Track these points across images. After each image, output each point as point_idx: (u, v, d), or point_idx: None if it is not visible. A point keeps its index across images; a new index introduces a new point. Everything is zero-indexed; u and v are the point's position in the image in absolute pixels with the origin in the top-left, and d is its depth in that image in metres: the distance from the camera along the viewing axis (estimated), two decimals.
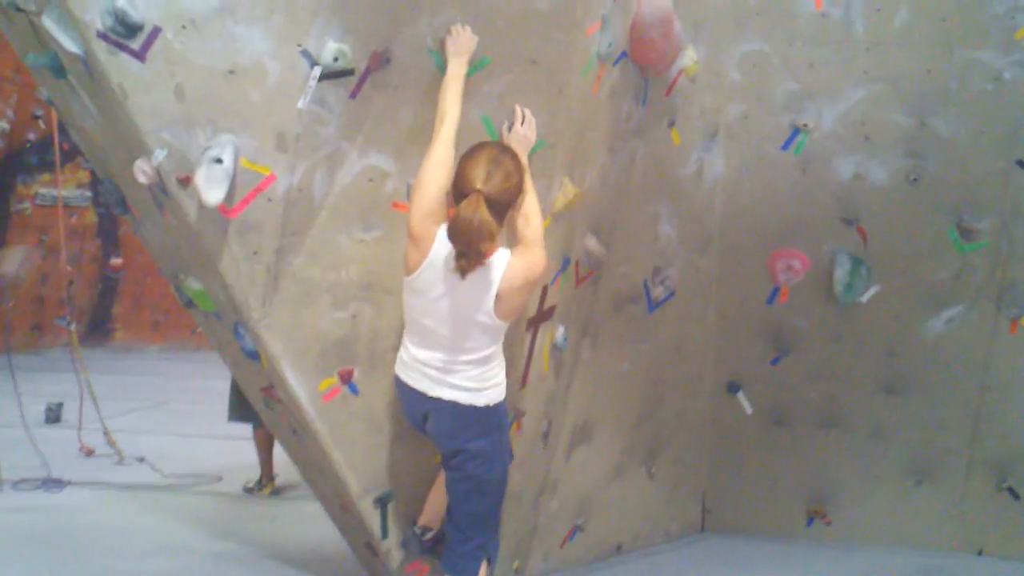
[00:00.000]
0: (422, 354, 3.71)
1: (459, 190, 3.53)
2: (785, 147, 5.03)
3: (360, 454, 4.03)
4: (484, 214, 3.43)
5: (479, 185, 3.47)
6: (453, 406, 3.74)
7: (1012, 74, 4.76)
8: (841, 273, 5.16)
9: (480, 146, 3.61)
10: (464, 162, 3.56)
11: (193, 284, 4.10)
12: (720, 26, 4.76)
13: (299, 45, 3.35)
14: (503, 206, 3.57)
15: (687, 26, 4.51)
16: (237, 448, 6.88)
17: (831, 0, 4.75)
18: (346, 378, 3.91)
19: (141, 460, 6.96)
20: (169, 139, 3.29)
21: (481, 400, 3.76)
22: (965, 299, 5.22)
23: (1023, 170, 4.93)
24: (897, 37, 4.77)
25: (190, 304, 4.32)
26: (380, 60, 3.55)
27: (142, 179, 3.40)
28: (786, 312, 5.38)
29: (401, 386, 3.82)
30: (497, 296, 3.59)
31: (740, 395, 5.59)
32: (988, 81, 4.79)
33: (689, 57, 4.67)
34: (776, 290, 5.32)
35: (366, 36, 3.49)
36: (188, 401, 9.41)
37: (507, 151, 3.64)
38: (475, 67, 3.68)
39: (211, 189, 3.27)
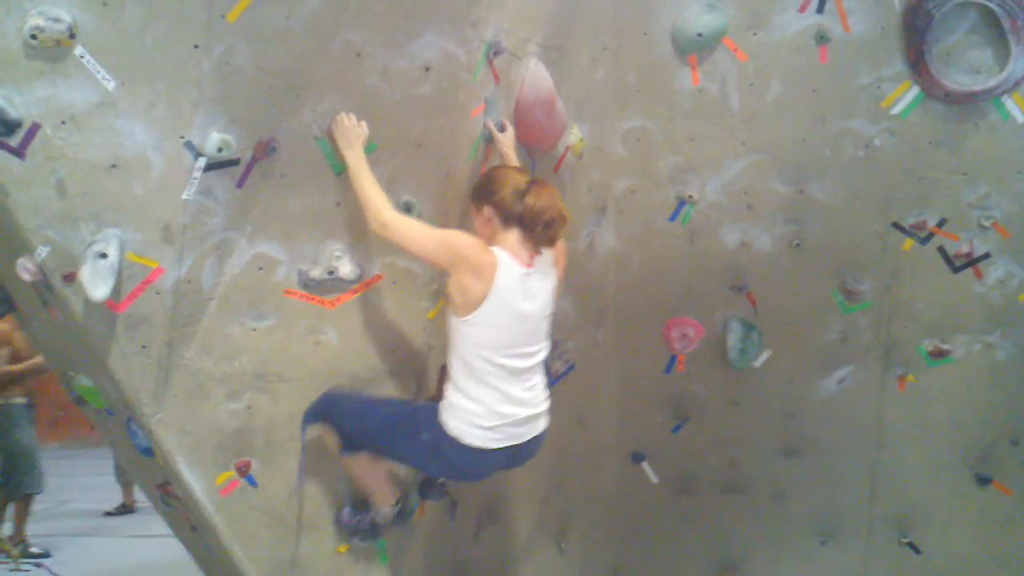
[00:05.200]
0: (507, 399, 3.71)
1: (508, 192, 3.70)
2: (672, 218, 5.16)
3: (261, 548, 3.92)
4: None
5: (528, 177, 3.79)
6: (540, 436, 3.89)
7: (882, 141, 4.95)
8: (734, 339, 5.27)
9: (498, 165, 4.06)
10: (496, 172, 3.89)
11: (83, 381, 4.01)
12: (602, 104, 4.89)
13: (182, 137, 3.34)
14: None
15: (569, 105, 4.61)
16: (139, 546, 6.70)
17: (707, 76, 4.89)
18: (244, 470, 3.83)
19: (38, 565, 6.76)
20: (52, 236, 3.23)
21: (549, 416, 3.93)
22: (853, 359, 5.38)
23: (900, 232, 5.12)
24: (771, 109, 4.93)
25: (81, 401, 4.22)
26: (266, 149, 3.55)
27: (26, 277, 3.33)
28: (684, 380, 5.47)
29: (479, 453, 3.71)
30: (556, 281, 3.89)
31: (645, 465, 5.63)
32: (860, 148, 4.97)
33: (574, 135, 4.77)
34: (673, 359, 5.41)
35: (250, 125, 3.49)
36: (89, 500, 9.13)
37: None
38: None
39: (97, 285, 3.21)
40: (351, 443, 3.93)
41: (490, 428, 3.69)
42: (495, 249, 3.66)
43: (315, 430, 3.95)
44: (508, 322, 3.67)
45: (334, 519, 4.10)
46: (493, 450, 3.73)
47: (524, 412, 3.76)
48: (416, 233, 3.66)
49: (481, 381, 3.68)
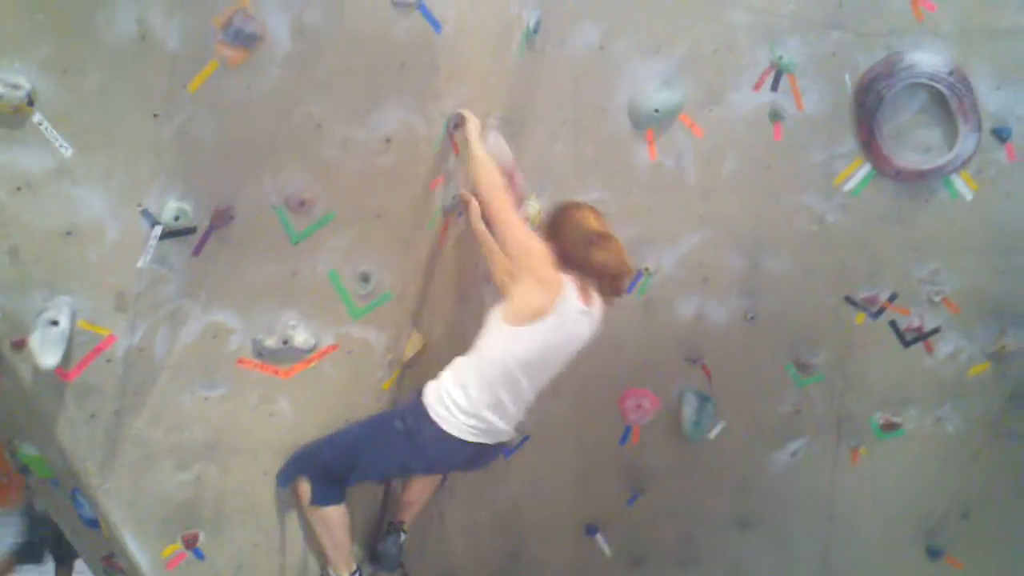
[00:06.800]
0: (496, 408, 3.83)
1: (576, 239, 3.85)
2: (629, 290, 5.15)
3: None
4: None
5: (603, 228, 3.92)
6: (504, 444, 4.10)
7: (834, 217, 5.03)
8: (688, 411, 5.27)
9: (575, 205, 4.08)
10: (573, 214, 3.98)
11: (28, 450, 3.92)
12: (561, 176, 4.92)
13: (139, 205, 3.32)
14: None
15: (528, 177, 4.64)
16: None
17: (664, 151, 4.92)
18: (190, 543, 3.76)
19: None
20: (3, 302, 3.19)
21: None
22: (807, 432, 5.40)
23: (852, 306, 5.19)
24: (727, 184, 4.97)
25: (25, 470, 4.12)
26: (223, 217, 3.54)
27: None
28: (639, 451, 5.43)
29: (451, 441, 3.83)
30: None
31: (599, 537, 5.59)
32: (813, 224, 5.05)
33: (532, 206, 4.78)
34: (628, 430, 5.39)
35: (208, 194, 3.48)
36: (33, 571, 8.86)
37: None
38: (319, 223, 3.73)
39: (47, 352, 3.16)
40: (324, 478, 3.93)
41: (469, 425, 3.80)
42: (563, 276, 3.80)
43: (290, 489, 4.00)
44: (549, 346, 3.81)
45: None
46: (465, 442, 3.83)
47: (502, 425, 3.89)
48: (513, 217, 3.84)
49: (485, 383, 3.79)
